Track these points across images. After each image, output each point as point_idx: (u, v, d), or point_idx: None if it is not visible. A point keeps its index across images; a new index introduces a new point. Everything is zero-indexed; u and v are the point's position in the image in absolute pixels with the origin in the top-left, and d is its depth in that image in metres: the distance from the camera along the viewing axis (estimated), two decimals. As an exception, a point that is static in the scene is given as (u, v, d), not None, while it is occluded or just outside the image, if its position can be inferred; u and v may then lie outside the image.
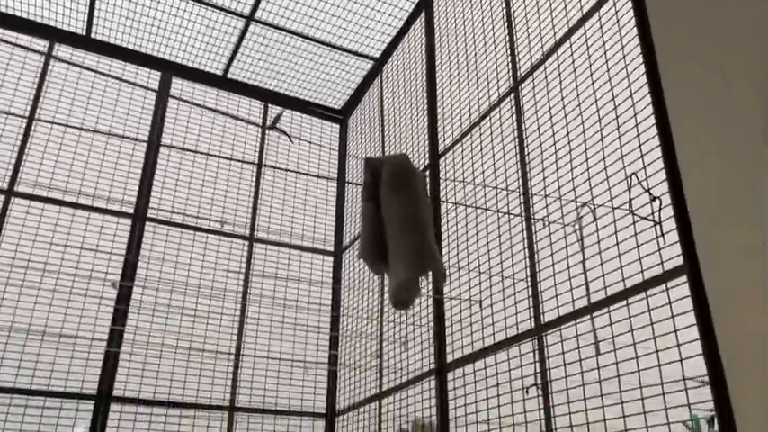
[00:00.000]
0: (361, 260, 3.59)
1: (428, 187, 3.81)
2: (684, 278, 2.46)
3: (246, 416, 5.41)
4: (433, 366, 4.21)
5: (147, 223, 5.55)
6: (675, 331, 2.46)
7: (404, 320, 4.77)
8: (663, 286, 2.57)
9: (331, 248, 6.41)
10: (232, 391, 5.43)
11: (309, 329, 5.85)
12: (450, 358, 4.06)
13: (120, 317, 5.09)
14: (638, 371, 2.60)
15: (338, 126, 7.05)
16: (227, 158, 6.21)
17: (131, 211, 5.54)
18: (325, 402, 5.81)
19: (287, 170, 6.49)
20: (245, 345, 5.64)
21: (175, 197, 5.82)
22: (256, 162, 6.37)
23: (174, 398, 5.16)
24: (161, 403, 5.09)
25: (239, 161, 6.28)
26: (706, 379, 2.29)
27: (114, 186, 5.57)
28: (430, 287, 4.29)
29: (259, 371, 5.64)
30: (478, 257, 3.86)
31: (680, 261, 2.50)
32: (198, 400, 5.24)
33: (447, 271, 4.11)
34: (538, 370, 3.21)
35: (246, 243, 5.99)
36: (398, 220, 2.80)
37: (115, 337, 5.01)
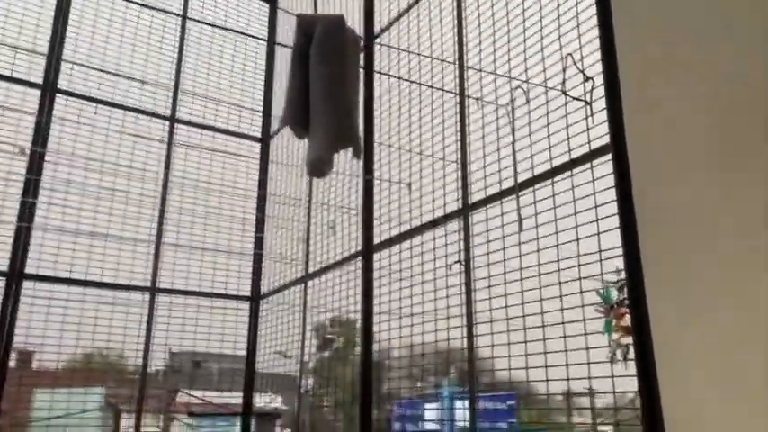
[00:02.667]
0: (284, 126, 3.48)
1: (361, 56, 3.69)
2: (609, 156, 2.53)
3: (168, 297, 5.37)
4: (359, 249, 4.27)
5: (58, 96, 5.13)
6: (596, 207, 2.56)
7: (332, 204, 4.76)
8: (588, 164, 2.64)
9: (258, 134, 6.22)
10: (153, 273, 5.34)
11: (234, 213, 5.76)
12: (377, 241, 4.12)
13: (30, 189, 4.80)
14: (557, 245, 2.72)
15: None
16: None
17: (39, 81, 5.10)
18: (249, 286, 5.83)
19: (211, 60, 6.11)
20: (166, 227, 5.50)
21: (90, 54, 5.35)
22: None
23: (92, 277, 5.02)
24: (78, 282, 4.95)
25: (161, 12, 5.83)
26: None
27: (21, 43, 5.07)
28: (360, 170, 4.27)
29: (181, 253, 5.55)
30: (410, 137, 3.85)
31: (606, 140, 2.56)
32: (117, 281, 5.13)
33: (376, 150, 4.09)
34: (462, 248, 3.31)
35: (167, 124, 5.69)
36: (324, 88, 2.69)
37: (26, 211, 4.74)
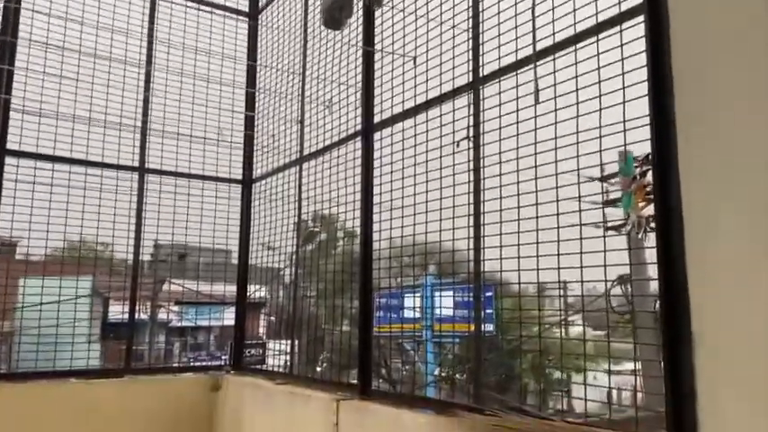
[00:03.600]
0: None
1: None
2: (642, 18, 2.33)
3: (158, 178, 5.21)
4: (359, 128, 4.09)
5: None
6: (623, 74, 2.39)
7: (328, 79, 4.52)
8: (617, 28, 2.45)
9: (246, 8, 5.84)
10: (141, 153, 5.14)
11: (224, 86, 5.48)
12: (377, 119, 3.93)
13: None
14: (577, 116, 2.57)
15: None
16: None
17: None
18: (241, 169, 5.67)
19: None
20: (152, 111, 5.24)
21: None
22: None
23: (78, 155, 4.82)
24: (63, 159, 4.75)
25: None
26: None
27: None
28: (360, 42, 4.01)
29: (170, 136, 5.33)
30: (416, 2, 3.57)
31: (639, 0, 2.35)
32: (104, 160, 4.93)
33: (377, 18, 3.81)
34: (471, 123, 3.15)
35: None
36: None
37: (3, 81, 4.46)
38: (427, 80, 3.48)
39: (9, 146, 4.54)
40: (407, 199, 3.54)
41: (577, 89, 2.58)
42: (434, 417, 2.92)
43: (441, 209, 3.31)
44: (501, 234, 2.92)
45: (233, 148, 5.64)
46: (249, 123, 5.69)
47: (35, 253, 4.79)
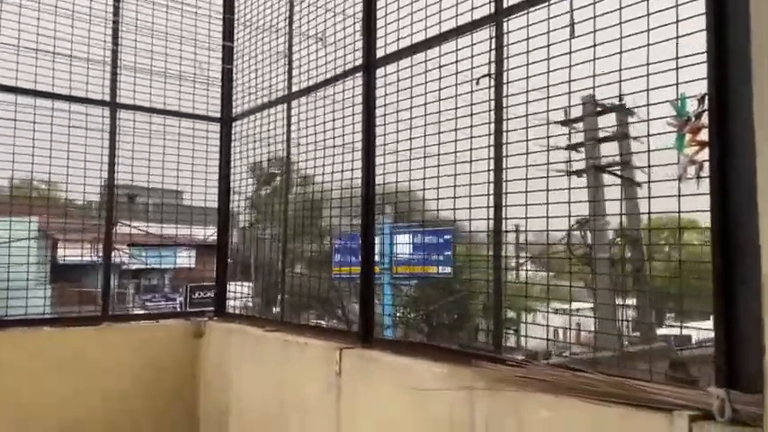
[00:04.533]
0: None
1: None
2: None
3: (132, 114, 4.83)
4: (359, 63, 3.82)
5: None
6: (677, 6, 2.22)
7: (322, 7, 4.19)
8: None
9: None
10: (112, 86, 4.74)
11: (200, 15, 5.08)
12: (381, 54, 3.67)
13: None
14: (620, 52, 2.39)
15: None
16: None
17: None
18: (219, 106, 5.32)
19: None
20: (122, 43, 4.81)
21: None
22: None
23: (43, 87, 4.40)
24: (24, 91, 4.33)
25: None
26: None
27: None
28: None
29: (142, 69, 4.93)
30: None
31: None
32: (72, 93, 4.52)
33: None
34: (492, 59, 2.94)
35: None
36: None
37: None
38: (441, 10, 3.23)
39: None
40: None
41: (621, 22, 2.39)
42: (452, 367, 2.81)
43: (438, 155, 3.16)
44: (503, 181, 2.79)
45: (210, 84, 5.28)
46: (228, 56, 5.31)
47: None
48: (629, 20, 2.37)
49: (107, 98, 4.71)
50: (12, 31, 4.29)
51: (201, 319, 4.93)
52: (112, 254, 4.79)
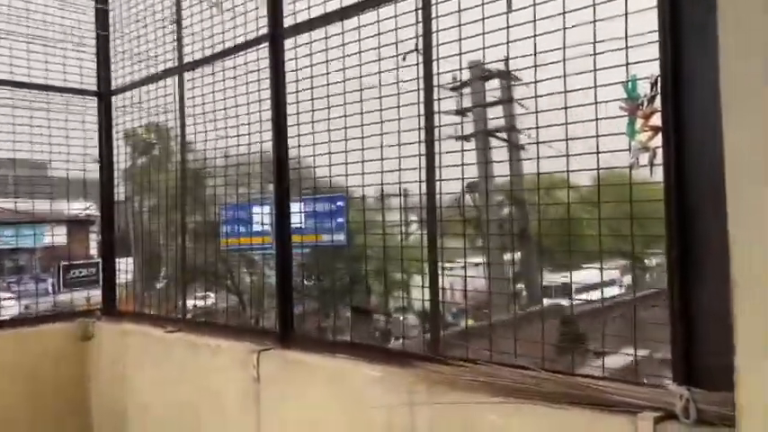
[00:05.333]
0: None
1: None
2: None
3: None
4: (263, 32, 3.42)
5: None
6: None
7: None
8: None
9: None
10: (-38, 55, 4.00)
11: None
12: (289, 22, 3.31)
13: None
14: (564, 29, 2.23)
15: None
16: None
17: None
18: (95, 78, 4.68)
19: None
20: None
21: None
22: None
23: None
24: None
25: None
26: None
27: None
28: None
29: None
30: None
31: None
32: None
33: None
34: (420, 33, 2.69)
35: None
36: None
37: None
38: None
39: None
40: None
41: (565, -4, 2.22)
42: (387, 368, 2.61)
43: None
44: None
45: (84, 53, 4.63)
46: (103, 21, 4.66)
47: None
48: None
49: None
50: None
51: (89, 319, 4.39)
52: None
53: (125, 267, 4.89)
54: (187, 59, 4.03)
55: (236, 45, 3.63)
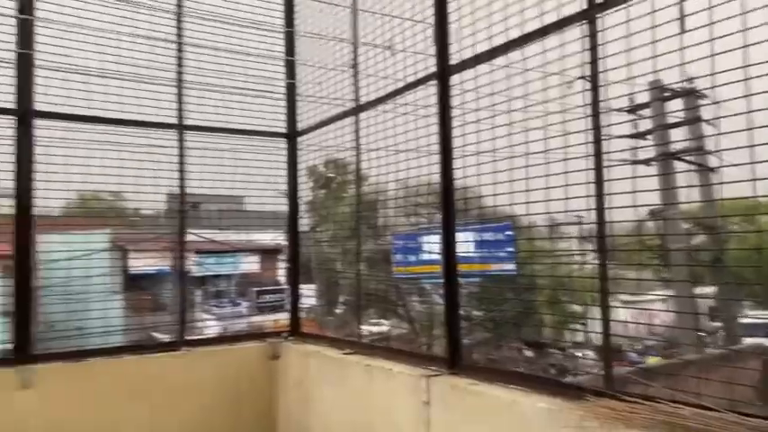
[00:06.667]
0: None
1: None
2: None
3: (198, 135, 4.77)
4: (432, 71, 3.60)
5: None
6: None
7: (388, 14, 4.00)
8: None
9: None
10: (179, 108, 4.68)
11: (260, 29, 4.96)
12: (456, 59, 3.45)
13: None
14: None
15: None
16: None
17: None
18: (285, 122, 5.20)
19: None
20: (186, 63, 4.75)
21: None
22: None
23: (112, 114, 4.38)
24: (96, 119, 4.32)
25: None
26: None
27: None
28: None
29: (207, 88, 4.85)
30: None
31: None
32: (142, 117, 4.49)
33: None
34: (587, 60, 2.67)
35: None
36: None
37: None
38: (523, 9, 2.98)
39: (37, 106, 4.09)
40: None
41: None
42: (556, 401, 2.57)
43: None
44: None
45: (274, 100, 5.17)
46: (290, 71, 5.19)
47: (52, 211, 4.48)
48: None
49: (175, 121, 4.65)
50: (78, 59, 4.28)
51: (277, 340, 4.83)
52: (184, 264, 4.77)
53: (307, 293, 5.30)
54: (363, 99, 4.34)
55: (406, 84, 3.85)
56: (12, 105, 4.02)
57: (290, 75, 5.16)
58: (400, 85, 3.91)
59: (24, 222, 4.01)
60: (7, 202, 4.12)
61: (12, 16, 4.06)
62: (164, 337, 4.86)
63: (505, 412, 2.76)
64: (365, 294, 4.44)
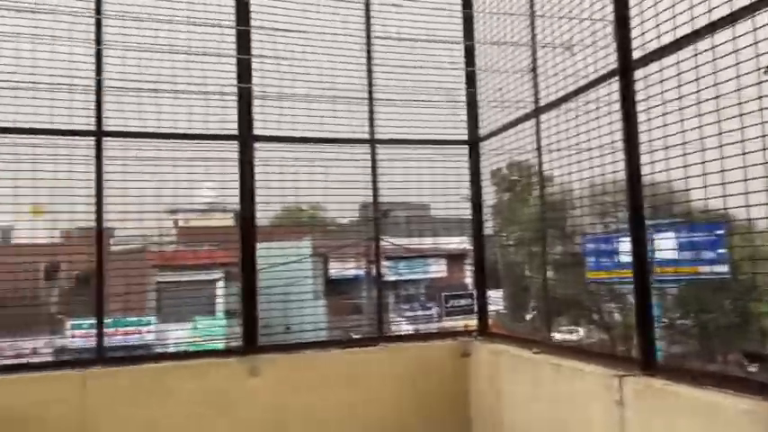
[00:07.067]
0: None
1: None
2: None
3: (386, 148, 5.17)
4: (613, 67, 3.57)
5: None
6: None
7: (566, 16, 4.03)
8: None
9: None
10: (370, 125, 5.12)
11: (440, 42, 5.23)
12: (637, 55, 3.39)
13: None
14: None
15: None
16: None
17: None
18: (466, 129, 5.41)
19: None
20: (376, 79, 5.17)
21: None
22: None
23: (315, 134, 4.94)
24: (302, 139, 4.91)
25: None
26: None
27: None
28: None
29: (392, 104, 5.24)
30: None
31: None
32: (338, 135, 5.01)
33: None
34: (785, 43, 2.51)
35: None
36: None
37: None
38: (710, -3, 2.86)
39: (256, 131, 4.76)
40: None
41: None
42: (764, 404, 2.43)
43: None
44: None
45: (455, 109, 5.41)
46: (470, 80, 5.39)
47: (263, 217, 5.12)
48: None
49: (366, 136, 5.09)
50: (287, 88, 4.89)
51: (467, 338, 5.04)
52: (373, 268, 5.17)
53: (494, 298, 5.42)
54: (543, 101, 4.40)
55: (588, 83, 3.84)
56: (235, 132, 4.72)
57: (471, 84, 5.37)
58: (581, 83, 3.91)
59: (248, 233, 4.68)
60: (232, 215, 4.86)
61: (232, 56, 4.78)
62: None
63: (704, 414, 2.67)
64: (555, 300, 4.45)
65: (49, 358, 7.14)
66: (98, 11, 4.42)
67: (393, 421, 4.69)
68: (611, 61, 3.60)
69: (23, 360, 4.95)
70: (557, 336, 4.62)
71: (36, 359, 5.62)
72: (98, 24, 4.42)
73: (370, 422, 4.65)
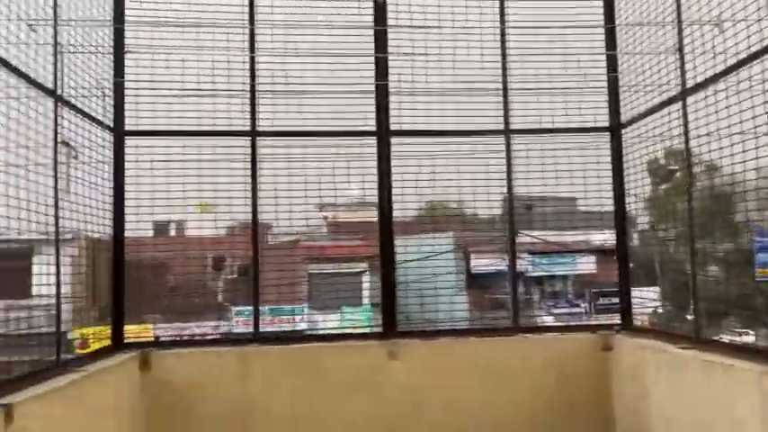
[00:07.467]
0: None
1: None
2: None
3: (523, 138, 5.14)
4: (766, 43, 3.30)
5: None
6: None
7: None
8: None
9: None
10: (505, 114, 5.11)
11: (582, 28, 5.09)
12: (796, 24, 3.11)
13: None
14: None
15: None
16: None
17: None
18: (607, 114, 5.21)
19: None
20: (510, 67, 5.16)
21: None
22: None
23: (449, 127, 5.06)
24: (437, 133, 5.05)
25: None
26: None
27: None
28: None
29: (530, 93, 5.19)
30: None
31: None
32: (472, 127, 5.08)
33: None
34: None
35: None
36: None
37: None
38: None
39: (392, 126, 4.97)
40: None
41: None
42: None
43: None
44: None
45: (595, 94, 5.22)
46: (611, 64, 5.18)
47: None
48: None
49: (501, 127, 5.09)
50: (421, 84, 5.04)
51: (608, 332, 4.88)
52: (516, 263, 5.14)
53: (650, 296, 5.13)
54: (690, 83, 4.13)
55: (738, 61, 3.57)
56: (373, 128, 4.96)
57: (612, 68, 5.16)
58: (731, 62, 3.64)
59: (386, 227, 4.90)
60: (372, 210, 5.09)
61: (369, 55, 5.02)
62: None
63: None
64: (722, 300, 4.12)
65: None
66: (251, 21, 4.85)
67: (524, 410, 4.67)
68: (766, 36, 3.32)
69: (196, 337, 5.62)
70: (725, 339, 4.29)
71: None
72: (251, 34, 4.85)
73: (504, 413, 4.67)
